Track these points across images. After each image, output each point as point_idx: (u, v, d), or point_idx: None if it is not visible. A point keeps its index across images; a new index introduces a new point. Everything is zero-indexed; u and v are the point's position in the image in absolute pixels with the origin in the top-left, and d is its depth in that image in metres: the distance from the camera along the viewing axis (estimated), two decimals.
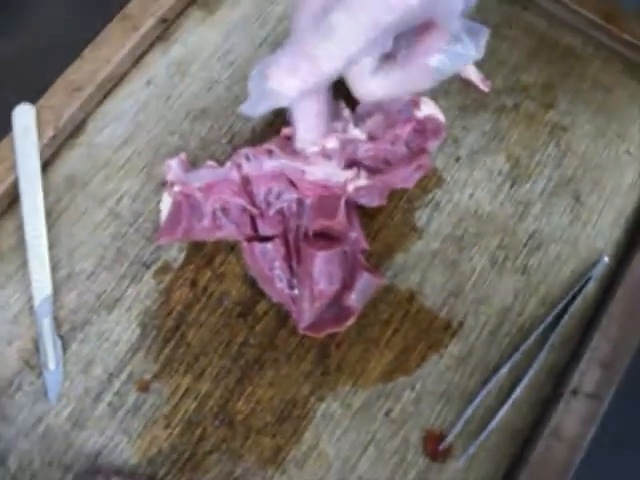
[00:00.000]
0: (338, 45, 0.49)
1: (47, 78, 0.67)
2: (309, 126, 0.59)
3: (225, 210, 0.63)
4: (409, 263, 0.65)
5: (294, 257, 0.62)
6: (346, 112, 0.64)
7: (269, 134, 0.68)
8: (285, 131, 0.63)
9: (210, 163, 0.64)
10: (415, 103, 0.64)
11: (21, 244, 0.64)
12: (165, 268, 0.64)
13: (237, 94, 0.69)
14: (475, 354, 0.63)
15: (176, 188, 0.63)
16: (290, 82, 0.51)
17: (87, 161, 0.67)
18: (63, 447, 0.60)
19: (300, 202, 0.62)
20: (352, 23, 0.48)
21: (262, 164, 0.62)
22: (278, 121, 0.68)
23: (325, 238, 0.62)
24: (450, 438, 0.61)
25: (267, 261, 0.62)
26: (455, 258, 0.65)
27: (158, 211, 0.65)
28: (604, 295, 0.64)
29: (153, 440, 0.60)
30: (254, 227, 0.63)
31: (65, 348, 0.62)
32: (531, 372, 0.62)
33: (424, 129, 0.64)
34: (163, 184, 0.65)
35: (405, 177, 0.64)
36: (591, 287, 0.64)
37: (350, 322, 0.61)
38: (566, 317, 0.63)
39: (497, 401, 0.61)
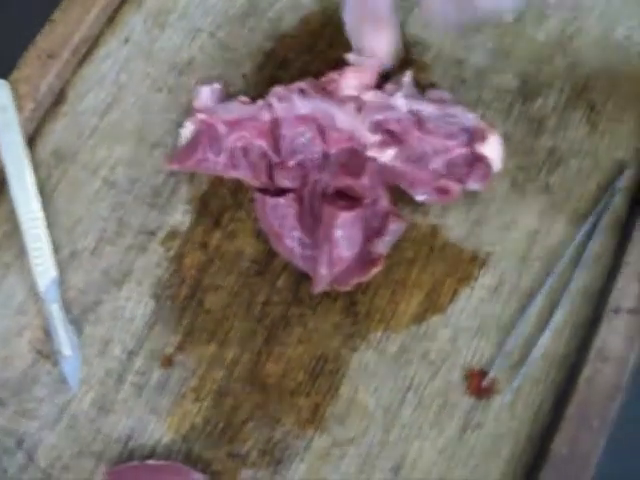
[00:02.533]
0: None
1: (18, 49, 0.62)
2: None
3: (245, 150, 0.58)
4: None
5: (308, 216, 0.57)
6: (407, 78, 0.59)
7: (261, 80, 0.62)
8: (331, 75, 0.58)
9: (242, 98, 0.59)
10: (482, 135, 0.57)
11: (16, 230, 0.59)
12: (172, 233, 0.59)
13: (222, 39, 0.63)
14: (507, 283, 0.58)
15: (200, 116, 0.57)
16: None
17: (73, 131, 0.62)
18: (91, 435, 0.56)
19: (326, 156, 0.57)
20: None
21: (294, 105, 0.57)
22: (269, 66, 0.63)
23: (345, 198, 0.57)
24: (492, 373, 0.57)
25: (278, 217, 0.57)
26: None
27: (156, 175, 0.60)
28: (632, 206, 0.60)
29: (184, 416, 0.56)
30: (270, 176, 0.58)
31: (78, 332, 0.58)
32: (568, 294, 0.58)
33: (472, 165, 0.57)
34: (188, 111, 0.60)
35: (418, 185, 0.58)
36: (618, 199, 0.60)
37: (377, 270, 0.57)
38: (596, 233, 0.59)
39: (536, 329, 0.57)
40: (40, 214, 0.59)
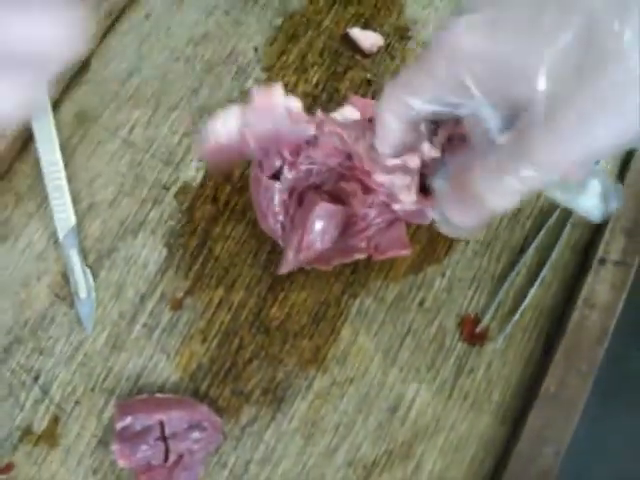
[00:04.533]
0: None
1: None
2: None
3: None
4: None
5: (295, 204, 0.57)
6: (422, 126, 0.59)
7: (270, 52, 0.66)
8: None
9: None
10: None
11: (39, 184, 0.62)
12: (185, 188, 0.62)
13: (236, 16, 0.67)
14: (500, 238, 0.61)
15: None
16: None
17: (96, 96, 0.65)
18: (104, 372, 0.58)
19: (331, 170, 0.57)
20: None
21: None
22: (278, 40, 0.66)
23: (334, 198, 0.57)
24: (485, 321, 0.59)
25: (267, 198, 0.56)
26: None
27: (172, 135, 0.63)
28: (621, 170, 0.63)
29: (192, 355, 0.58)
30: (280, 170, 0.57)
31: (94, 276, 0.60)
32: (557, 249, 0.60)
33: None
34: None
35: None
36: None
37: (361, 256, 0.58)
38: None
39: (528, 281, 0.60)
40: (62, 168, 0.61)
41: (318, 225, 0.56)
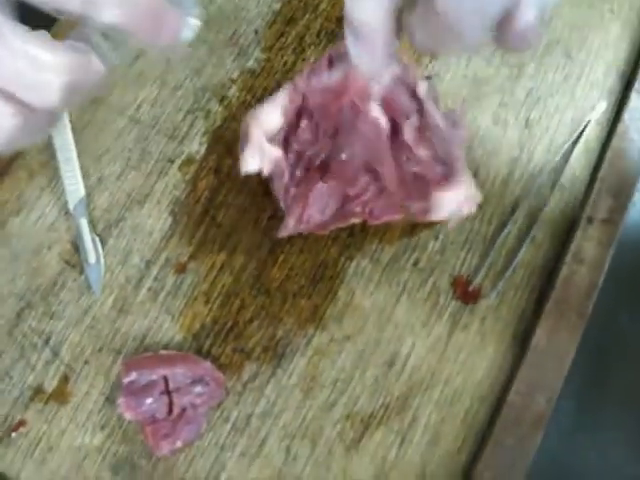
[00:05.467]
0: None
1: None
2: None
3: None
4: None
5: (302, 170, 0.60)
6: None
7: (270, 35, 0.69)
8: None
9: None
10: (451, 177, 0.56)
11: (50, 160, 0.65)
12: (189, 161, 0.65)
13: (237, 2, 0.70)
14: (491, 202, 0.63)
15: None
16: None
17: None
18: (111, 333, 0.60)
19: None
20: None
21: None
22: (277, 23, 0.69)
23: (335, 174, 0.60)
24: (478, 279, 0.61)
25: (273, 161, 0.58)
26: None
27: (176, 113, 0.66)
28: (607, 136, 0.65)
29: (195, 316, 0.60)
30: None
31: (103, 244, 0.62)
32: (546, 209, 0.62)
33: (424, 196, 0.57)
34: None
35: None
36: (593, 131, 0.65)
37: (356, 221, 0.60)
38: (572, 158, 0.64)
39: (518, 242, 0.61)
40: (72, 145, 0.64)
41: (319, 202, 0.59)
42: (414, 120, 0.57)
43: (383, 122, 0.56)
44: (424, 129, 0.57)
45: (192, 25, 0.40)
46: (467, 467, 0.56)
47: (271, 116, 0.57)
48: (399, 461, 0.56)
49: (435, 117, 0.57)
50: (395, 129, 0.57)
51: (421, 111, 0.57)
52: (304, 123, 0.59)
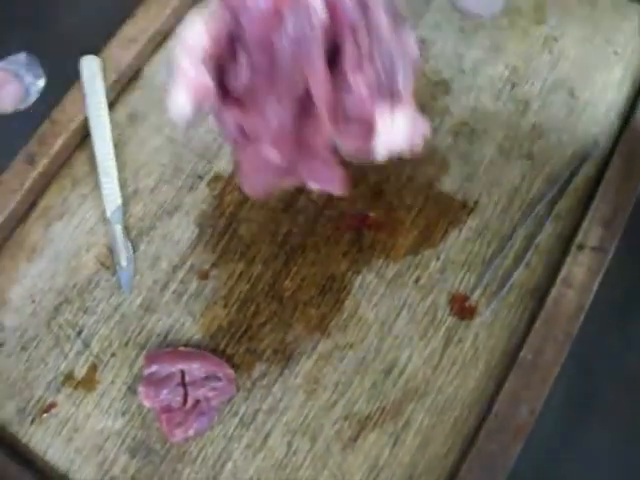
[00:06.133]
0: None
1: (107, 35, 0.76)
2: None
3: None
4: (426, 157, 0.70)
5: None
6: None
7: None
8: None
9: None
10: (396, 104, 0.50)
11: (93, 171, 0.71)
12: (217, 178, 0.71)
13: None
14: (491, 227, 0.67)
15: None
16: None
17: (145, 100, 0.75)
18: (137, 329, 0.66)
19: None
20: None
21: None
22: None
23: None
24: (474, 297, 0.65)
25: None
26: (467, 150, 0.70)
27: (208, 134, 0.73)
28: (602, 171, 0.69)
29: (214, 318, 0.66)
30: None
31: (135, 249, 0.69)
32: (541, 237, 0.66)
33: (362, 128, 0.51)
34: None
35: None
36: (591, 167, 0.69)
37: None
38: (570, 189, 0.68)
39: (514, 265, 0.66)
40: (112, 157, 0.71)
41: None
42: (361, 36, 0.49)
43: (318, 6, 0.48)
44: (369, 51, 0.49)
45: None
46: (453, 470, 0.60)
47: (196, 32, 0.50)
48: (391, 461, 0.61)
49: (382, 29, 0.49)
50: (336, 52, 0.50)
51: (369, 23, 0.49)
52: (242, 57, 0.51)
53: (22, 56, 0.79)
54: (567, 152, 0.70)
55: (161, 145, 0.73)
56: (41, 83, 0.78)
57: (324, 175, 0.56)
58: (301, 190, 0.69)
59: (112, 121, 0.73)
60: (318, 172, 0.56)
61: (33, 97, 0.77)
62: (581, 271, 0.63)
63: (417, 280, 0.66)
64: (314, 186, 0.57)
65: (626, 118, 0.71)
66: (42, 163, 0.71)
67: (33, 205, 0.71)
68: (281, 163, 0.54)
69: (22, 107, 0.77)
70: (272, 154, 0.53)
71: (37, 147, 0.71)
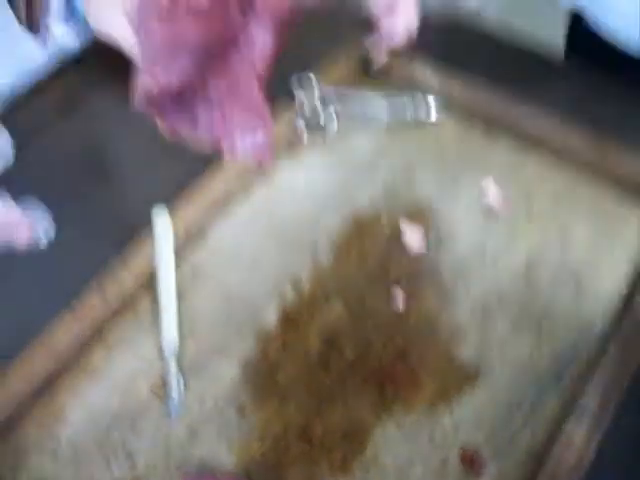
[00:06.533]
0: None
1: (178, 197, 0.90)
2: None
3: None
4: (446, 329, 0.81)
5: None
6: None
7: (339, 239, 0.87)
8: None
9: None
10: None
11: (154, 309, 0.82)
12: (262, 333, 0.81)
13: None
14: (500, 393, 0.77)
15: None
16: None
17: (209, 259, 0.87)
18: (179, 453, 0.74)
19: None
20: None
21: None
22: None
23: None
24: (483, 454, 0.73)
25: None
26: (482, 324, 0.81)
27: (258, 287, 0.84)
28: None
29: (248, 450, 0.73)
30: None
31: (185, 383, 0.78)
32: (546, 403, 0.75)
33: None
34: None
35: None
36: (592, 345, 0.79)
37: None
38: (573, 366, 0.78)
39: (521, 427, 0.74)
40: (174, 302, 0.82)
41: None
42: None
43: None
44: None
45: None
46: None
47: None
48: None
49: None
50: None
51: None
52: None
53: None
54: (572, 332, 0.80)
55: (219, 305, 0.84)
56: None
57: (251, 121, 0.63)
58: (333, 345, 0.79)
59: (177, 272, 0.85)
60: (244, 115, 0.63)
61: None
62: (582, 432, 0.71)
63: (431, 433, 0.74)
64: (237, 144, 0.65)
65: (625, 301, 0.81)
66: (110, 294, 0.81)
67: (97, 331, 0.81)
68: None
69: None
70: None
71: (107, 280, 0.82)
